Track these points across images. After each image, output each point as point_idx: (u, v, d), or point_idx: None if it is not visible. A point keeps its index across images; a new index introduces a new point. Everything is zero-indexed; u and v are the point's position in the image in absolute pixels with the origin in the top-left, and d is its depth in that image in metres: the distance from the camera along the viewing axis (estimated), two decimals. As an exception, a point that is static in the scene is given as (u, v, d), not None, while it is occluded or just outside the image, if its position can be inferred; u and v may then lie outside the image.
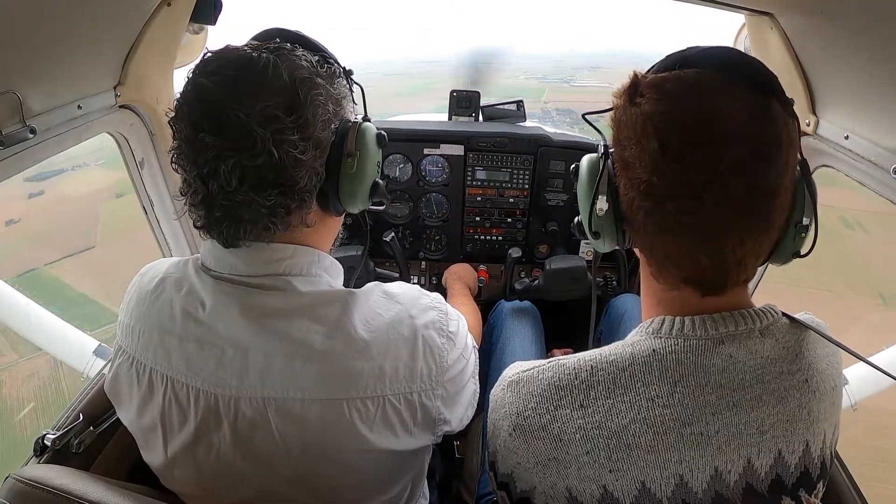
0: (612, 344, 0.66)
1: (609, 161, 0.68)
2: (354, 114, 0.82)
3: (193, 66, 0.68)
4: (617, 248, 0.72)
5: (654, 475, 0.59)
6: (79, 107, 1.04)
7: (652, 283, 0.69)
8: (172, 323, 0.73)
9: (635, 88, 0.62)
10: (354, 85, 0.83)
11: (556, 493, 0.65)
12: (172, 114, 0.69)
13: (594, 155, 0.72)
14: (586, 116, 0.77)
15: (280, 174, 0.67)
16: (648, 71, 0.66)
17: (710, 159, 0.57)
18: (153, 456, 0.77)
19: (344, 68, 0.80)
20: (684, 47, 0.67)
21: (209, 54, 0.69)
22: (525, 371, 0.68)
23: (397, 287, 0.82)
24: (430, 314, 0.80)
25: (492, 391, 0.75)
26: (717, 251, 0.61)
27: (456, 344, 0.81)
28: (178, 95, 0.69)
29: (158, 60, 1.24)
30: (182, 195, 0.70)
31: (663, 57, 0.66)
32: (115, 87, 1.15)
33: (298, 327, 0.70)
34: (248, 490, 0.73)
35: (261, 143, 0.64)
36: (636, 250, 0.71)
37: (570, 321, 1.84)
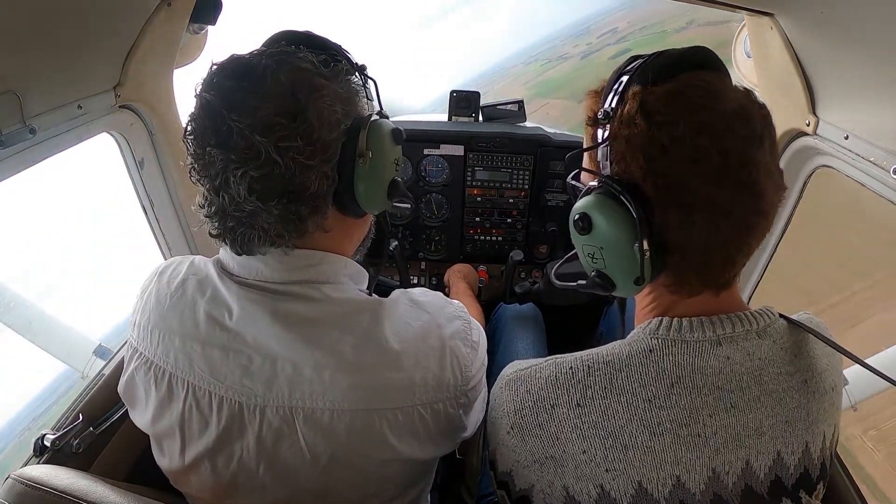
0: (610, 343, 0.66)
1: (625, 194, 0.60)
2: (370, 110, 0.79)
3: (200, 81, 0.68)
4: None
5: (650, 475, 0.59)
6: (79, 107, 1.03)
7: (655, 292, 0.68)
8: (196, 328, 0.72)
9: (644, 107, 0.60)
10: (369, 80, 0.80)
11: (553, 492, 0.65)
12: (183, 130, 0.68)
13: (598, 196, 0.63)
14: (570, 156, 0.71)
15: (289, 182, 0.66)
16: (633, 84, 0.63)
17: (758, 152, 0.58)
18: (167, 460, 0.77)
19: (356, 64, 0.78)
20: (651, 55, 0.65)
21: (214, 66, 0.69)
22: (523, 369, 0.68)
23: (422, 294, 0.82)
24: (456, 324, 0.80)
25: (491, 390, 0.75)
26: (754, 240, 0.62)
27: (478, 353, 0.82)
28: (189, 112, 0.68)
29: (158, 60, 1.24)
30: (200, 207, 0.70)
31: (631, 70, 0.64)
32: (115, 88, 1.15)
33: (329, 337, 0.70)
34: (266, 499, 0.73)
35: (264, 152, 0.63)
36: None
37: (572, 324, 1.83)
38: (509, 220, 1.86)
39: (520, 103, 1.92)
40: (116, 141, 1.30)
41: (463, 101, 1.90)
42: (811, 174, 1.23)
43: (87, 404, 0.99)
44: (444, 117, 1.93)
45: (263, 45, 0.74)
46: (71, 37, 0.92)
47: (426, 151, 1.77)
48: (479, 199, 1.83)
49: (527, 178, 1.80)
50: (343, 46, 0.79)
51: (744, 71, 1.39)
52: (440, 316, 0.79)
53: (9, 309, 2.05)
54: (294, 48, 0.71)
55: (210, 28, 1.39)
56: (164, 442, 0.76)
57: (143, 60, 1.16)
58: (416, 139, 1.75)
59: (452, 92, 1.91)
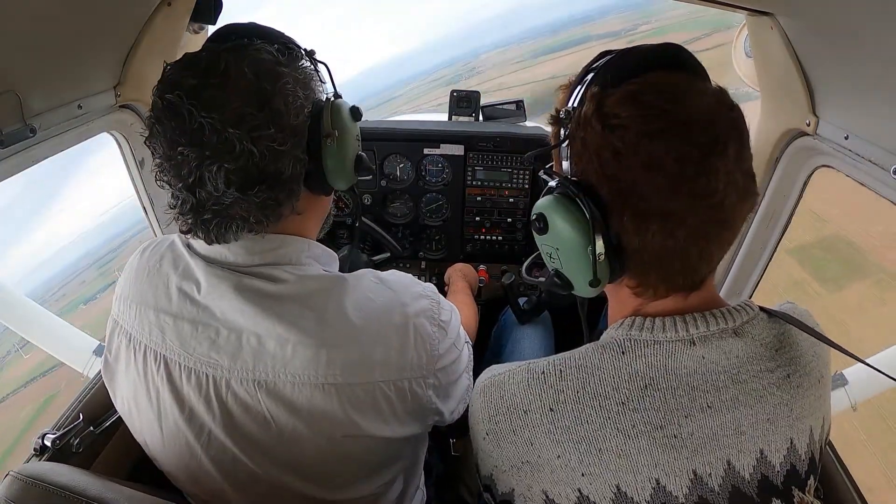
0: (584, 346, 0.65)
1: (580, 196, 0.60)
2: (325, 93, 0.82)
3: (157, 84, 0.69)
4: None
5: (627, 479, 0.59)
6: (79, 106, 1.04)
7: (621, 294, 0.67)
8: (168, 302, 0.74)
9: (601, 109, 0.58)
10: (319, 64, 0.82)
11: (533, 496, 0.64)
12: (146, 135, 0.68)
13: (556, 196, 0.62)
14: (530, 155, 0.72)
15: (264, 169, 0.68)
16: (594, 85, 0.61)
17: (719, 160, 0.56)
18: (146, 435, 0.78)
19: (305, 49, 0.80)
20: (617, 51, 0.64)
21: (169, 67, 0.70)
22: (497, 375, 0.68)
23: (390, 274, 0.83)
24: (422, 302, 0.80)
25: (471, 395, 0.74)
26: (716, 249, 0.61)
27: (448, 334, 0.82)
28: (147, 114, 0.69)
29: (158, 60, 1.23)
30: (171, 208, 0.70)
31: (598, 67, 0.63)
32: (115, 87, 1.15)
33: (291, 312, 0.71)
34: (239, 471, 0.74)
35: (239, 144, 0.65)
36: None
37: (580, 321, 1.82)
38: (510, 220, 1.86)
39: (519, 103, 1.92)
40: (117, 141, 1.30)
41: (463, 101, 1.90)
42: (811, 174, 1.23)
43: (87, 404, 0.99)
44: (444, 117, 1.94)
45: (212, 41, 0.76)
46: (71, 37, 0.92)
47: (426, 151, 1.77)
48: (479, 198, 1.83)
49: (527, 177, 1.80)
50: (285, 34, 0.81)
51: (744, 71, 1.38)
52: (405, 294, 0.79)
53: (9, 308, 2.05)
54: (248, 40, 0.72)
55: (210, 28, 1.39)
56: (142, 418, 0.78)
57: (143, 60, 1.16)
58: (416, 139, 1.75)
59: (452, 91, 1.91)
